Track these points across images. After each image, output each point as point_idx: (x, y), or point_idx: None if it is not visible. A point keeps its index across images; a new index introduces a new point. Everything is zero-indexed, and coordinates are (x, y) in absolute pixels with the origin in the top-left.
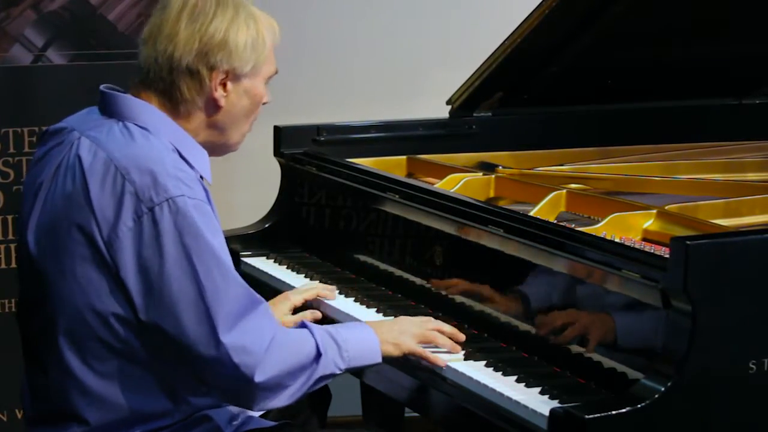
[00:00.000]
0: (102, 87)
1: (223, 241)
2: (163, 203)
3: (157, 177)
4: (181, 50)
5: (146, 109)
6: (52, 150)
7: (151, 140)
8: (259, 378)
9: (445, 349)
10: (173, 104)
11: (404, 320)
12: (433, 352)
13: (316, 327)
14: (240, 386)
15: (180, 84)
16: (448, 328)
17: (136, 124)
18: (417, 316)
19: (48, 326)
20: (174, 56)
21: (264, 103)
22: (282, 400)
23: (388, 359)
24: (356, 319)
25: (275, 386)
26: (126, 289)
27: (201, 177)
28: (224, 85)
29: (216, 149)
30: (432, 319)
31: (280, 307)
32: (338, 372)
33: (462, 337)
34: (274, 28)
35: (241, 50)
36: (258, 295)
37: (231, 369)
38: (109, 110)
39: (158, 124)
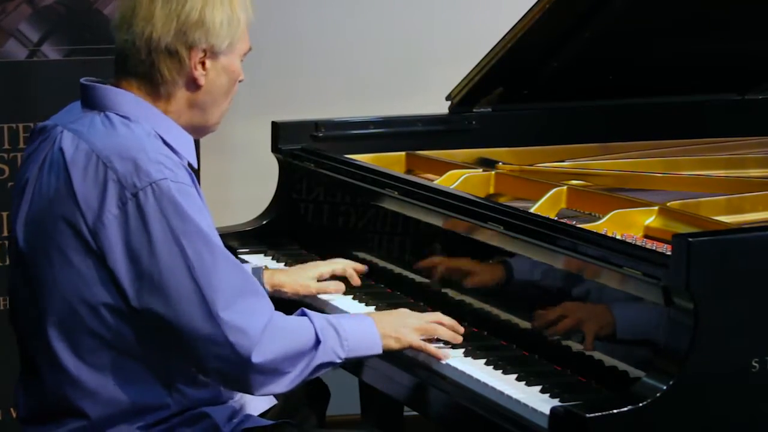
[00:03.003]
0: (82, 80)
1: (211, 222)
2: (146, 188)
3: (139, 163)
4: (159, 31)
5: (126, 98)
6: (38, 147)
7: (132, 128)
8: (256, 359)
9: (444, 344)
10: (154, 87)
11: (404, 312)
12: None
13: (315, 315)
14: (237, 368)
15: (159, 65)
16: (447, 320)
17: (117, 114)
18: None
19: (39, 321)
20: (152, 37)
21: (239, 81)
22: (281, 386)
23: (388, 352)
24: None
25: (273, 371)
26: (115, 277)
27: (188, 164)
28: (203, 64)
29: (196, 131)
30: (432, 312)
31: (307, 272)
32: (338, 361)
33: (461, 329)
34: (247, 6)
35: (217, 28)
36: (254, 278)
37: (227, 348)
38: (90, 102)
39: (139, 111)
